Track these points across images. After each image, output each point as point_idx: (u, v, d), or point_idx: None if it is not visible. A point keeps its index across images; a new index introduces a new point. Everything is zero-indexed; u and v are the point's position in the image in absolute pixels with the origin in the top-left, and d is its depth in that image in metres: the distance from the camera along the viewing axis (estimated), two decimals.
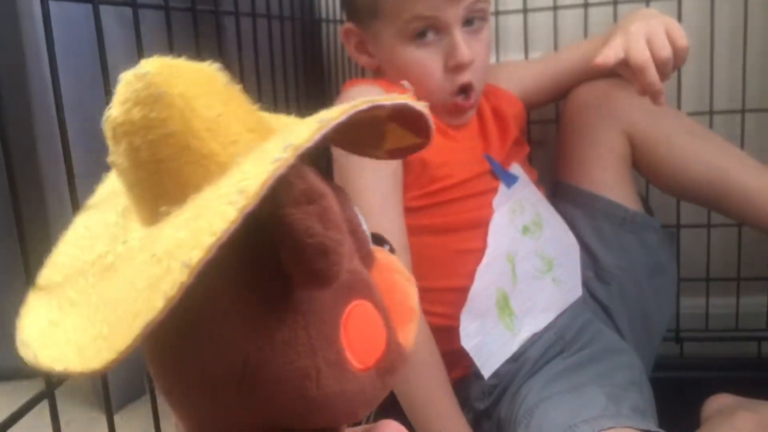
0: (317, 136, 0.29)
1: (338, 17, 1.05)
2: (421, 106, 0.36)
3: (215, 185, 0.30)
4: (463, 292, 0.82)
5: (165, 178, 0.32)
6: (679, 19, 1.02)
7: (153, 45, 0.51)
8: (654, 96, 0.80)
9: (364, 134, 0.39)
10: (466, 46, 0.83)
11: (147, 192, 0.33)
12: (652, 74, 0.77)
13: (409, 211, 0.84)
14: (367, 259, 0.38)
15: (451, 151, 0.87)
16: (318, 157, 0.92)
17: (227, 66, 0.37)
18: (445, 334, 0.81)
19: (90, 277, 0.34)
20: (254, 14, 0.70)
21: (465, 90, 0.87)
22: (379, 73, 0.93)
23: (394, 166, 0.83)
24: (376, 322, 0.36)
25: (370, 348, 0.35)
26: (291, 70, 0.88)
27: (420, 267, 0.82)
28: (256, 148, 0.32)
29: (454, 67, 0.84)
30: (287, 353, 0.32)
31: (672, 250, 1.00)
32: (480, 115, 0.94)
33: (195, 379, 0.33)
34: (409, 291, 0.41)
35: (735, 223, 0.99)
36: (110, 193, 0.39)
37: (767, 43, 1.05)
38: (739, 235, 1.07)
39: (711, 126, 1.04)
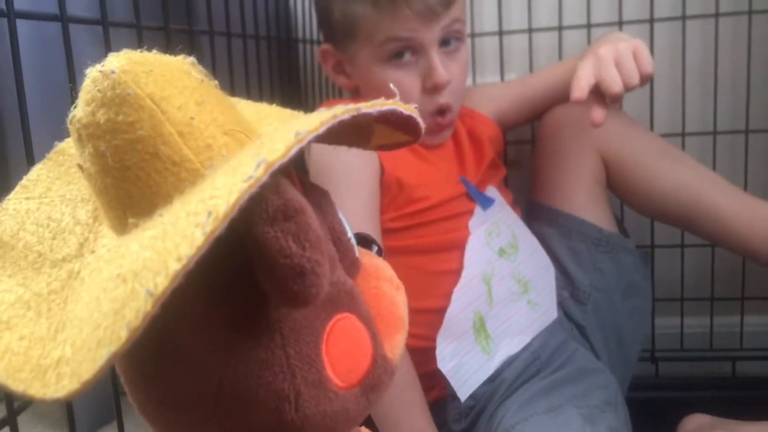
0: (293, 151, 0.27)
1: (315, 38, 1.05)
2: (409, 110, 0.34)
3: (185, 198, 0.28)
4: (439, 313, 0.81)
5: (133, 186, 0.30)
6: (651, 41, 1.03)
7: None
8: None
9: (350, 133, 0.37)
10: (443, 66, 0.84)
11: (115, 200, 0.31)
12: (621, 100, 0.78)
13: (386, 232, 0.84)
14: (353, 267, 0.37)
15: (427, 174, 0.87)
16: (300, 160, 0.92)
17: None
18: (421, 356, 0.80)
19: (53, 281, 0.33)
20: (229, 34, 0.70)
21: (442, 111, 0.87)
22: (357, 94, 0.93)
23: (370, 187, 0.83)
24: (361, 336, 0.34)
25: (355, 365, 0.33)
26: (267, 91, 0.87)
27: None
28: (231, 157, 0.31)
29: (432, 88, 0.85)
30: (263, 374, 0.30)
31: (646, 270, 1.01)
32: (455, 138, 0.94)
33: (169, 398, 0.31)
34: (398, 300, 0.39)
35: (708, 243, 1.00)
36: (87, 191, 0.37)
37: (737, 66, 1.07)
38: (712, 255, 1.08)
39: (683, 147, 1.05)
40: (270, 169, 0.25)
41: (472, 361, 0.81)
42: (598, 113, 0.80)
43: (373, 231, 0.82)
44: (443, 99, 0.86)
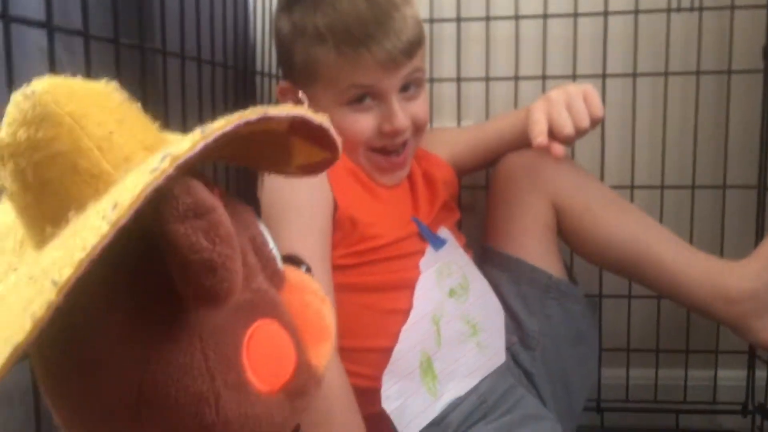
0: (199, 146, 0.28)
1: (274, 72, 1.05)
2: (320, 119, 0.36)
3: (97, 202, 0.29)
4: (387, 353, 0.80)
5: (51, 199, 0.31)
6: (603, 95, 1.06)
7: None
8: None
9: (270, 151, 0.38)
10: (402, 112, 0.85)
11: (36, 216, 0.32)
12: (573, 142, 0.80)
13: (336, 269, 0.83)
14: (275, 278, 0.38)
15: (380, 212, 0.87)
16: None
17: (151, 106, 0.37)
18: (367, 396, 0.78)
19: None
20: (183, 56, 0.68)
21: (397, 149, 0.88)
22: None
23: (322, 223, 0.82)
24: (284, 342, 0.35)
25: (277, 369, 0.34)
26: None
27: (345, 326, 0.80)
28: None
29: (391, 133, 0.86)
30: (183, 378, 0.31)
31: (594, 319, 1.01)
32: (411, 179, 0.95)
33: (90, 408, 0.31)
34: (323, 311, 0.40)
35: (655, 295, 1.02)
36: (12, 222, 0.38)
37: (685, 123, 1.10)
38: (658, 307, 1.09)
39: (632, 200, 1.07)
40: (176, 161, 0.27)
41: (418, 402, 0.80)
42: (557, 147, 0.81)
43: (323, 267, 0.81)
44: (399, 140, 0.87)
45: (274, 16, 0.93)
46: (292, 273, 0.40)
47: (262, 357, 0.33)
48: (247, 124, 0.31)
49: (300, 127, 0.35)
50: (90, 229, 0.25)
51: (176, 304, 0.31)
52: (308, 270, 0.42)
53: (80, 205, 0.30)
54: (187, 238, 0.28)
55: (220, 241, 0.29)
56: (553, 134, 0.81)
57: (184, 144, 0.28)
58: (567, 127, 0.79)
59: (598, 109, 0.81)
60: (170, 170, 0.26)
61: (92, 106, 0.32)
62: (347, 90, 0.85)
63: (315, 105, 0.89)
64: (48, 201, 0.31)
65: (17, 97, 0.32)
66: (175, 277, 0.29)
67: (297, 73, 0.89)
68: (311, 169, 0.41)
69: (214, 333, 0.32)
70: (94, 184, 0.31)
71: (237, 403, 0.32)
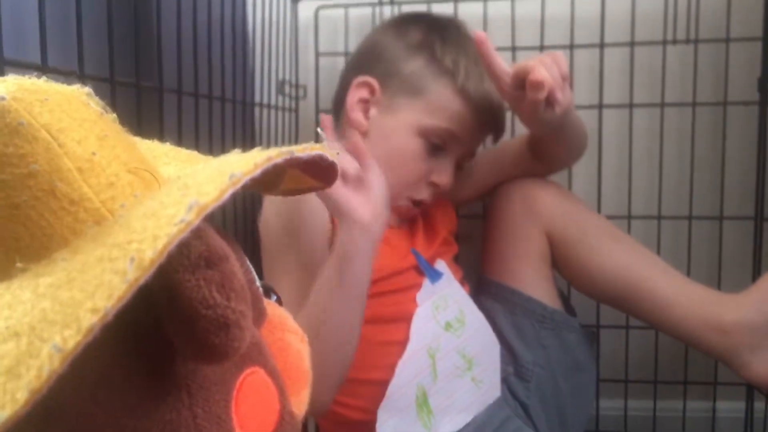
0: (227, 195, 0.25)
1: (273, 103, 1.05)
2: (333, 156, 0.33)
3: (90, 242, 0.25)
4: (382, 385, 0.79)
5: (21, 226, 0.27)
6: (600, 126, 1.07)
7: None
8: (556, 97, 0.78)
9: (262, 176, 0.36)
10: (453, 174, 0.91)
11: None
12: (558, 81, 0.77)
13: None
14: (260, 317, 0.35)
15: (379, 246, 0.87)
16: (245, 233, 0.91)
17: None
18: (361, 429, 0.78)
19: None
20: (180, 92, 0.68)
21: (419, 201, 0.91)
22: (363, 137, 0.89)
23: (321, 255, 0.82)
24: (270, 392, 0.32)
25: (262, 423, 0.31)
26: (219, 152, 0.86)
27: None
28: (143, 198, 0.28)
29: (431, 183, 0.90)
30: None
31: (591, 349, 1.01)
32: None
33: None
34: (303, 352, 0.37)
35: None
36: None
37: (681, 154, 1.10)
38: (656, 338, 1.09)
39: (629, 230, 1.07)
40: (203, 213, 0.24)
41: None
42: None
43: None
44: (428, 195, 0.91)
45: (397, 21, 0.97)
46: (270, 308, 0.37)
47: (250, 410, 0.30)
48: (275, 166, 0.28)
49: (307, 162, 0.32)
50: (97, 284, 0.22)
51: (163, 354, 0.28)
52: (278, 300, 0.39)
53: (57, 236, 0.27)
54: (199, 291, 0.25)
55: (234, 296, 0.26)
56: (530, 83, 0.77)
57: (207, 189, 0.24)
58: (541, 72, 0.76)
59: (563, 65, 0.79)
60: (196, 222, 0.23)
61: (70, 118, 0.28)
62: (440, 129, 0.88)
63: (389, 113, 0.90)
64: (16, 228, 0.27)
65: None
66: (176, 330, 0.26)
67: (394, 77, 0.90)
68: (297, 192, 0.38)
69: (203, 387, 0.29)
70: (74, 211, 0.27)
71: None
